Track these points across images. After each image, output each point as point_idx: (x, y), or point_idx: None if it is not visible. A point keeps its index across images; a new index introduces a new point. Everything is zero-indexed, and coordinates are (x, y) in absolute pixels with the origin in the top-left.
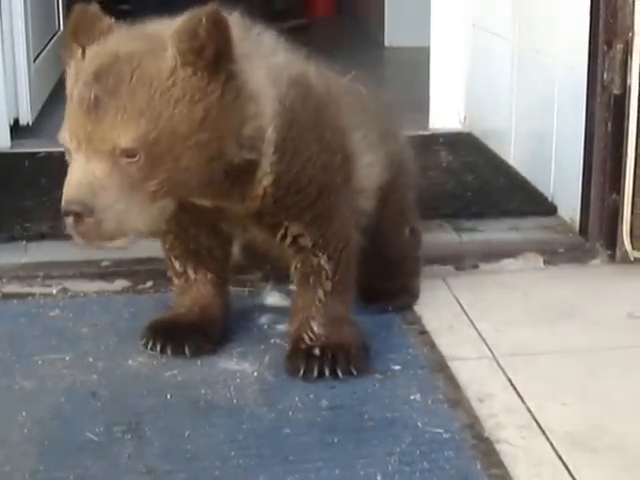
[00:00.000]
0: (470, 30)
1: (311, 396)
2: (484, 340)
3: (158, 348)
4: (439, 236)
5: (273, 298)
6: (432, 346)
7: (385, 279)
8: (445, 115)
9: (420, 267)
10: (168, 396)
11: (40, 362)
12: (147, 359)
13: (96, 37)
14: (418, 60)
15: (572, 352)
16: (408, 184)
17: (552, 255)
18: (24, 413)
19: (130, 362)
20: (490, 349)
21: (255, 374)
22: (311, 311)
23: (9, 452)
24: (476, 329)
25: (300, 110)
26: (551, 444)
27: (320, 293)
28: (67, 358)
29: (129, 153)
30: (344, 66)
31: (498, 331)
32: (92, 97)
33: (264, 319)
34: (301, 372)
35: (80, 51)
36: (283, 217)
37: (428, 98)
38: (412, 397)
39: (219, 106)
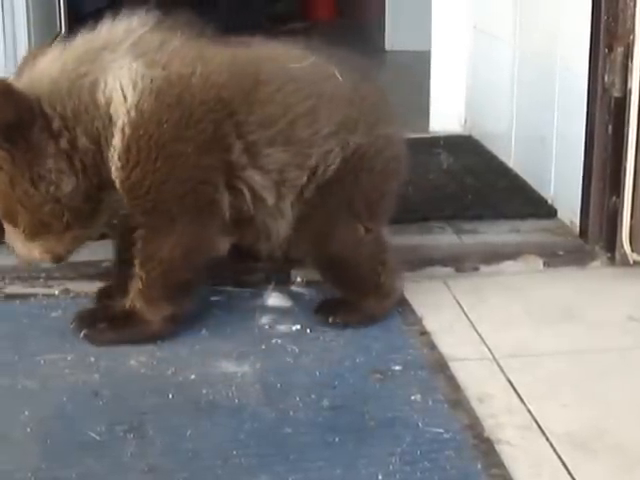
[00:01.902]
0: (471, 33)
1: (312, 396)
2: (484, 341)
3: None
4: (440, 238)
5: (274, 299)
6: (432, 347)
7: (334, 284)
8: (446, 118)
9: (384, 285)
10: (170, 396)
11: (42, 362)
12: (148, 359)
13: None
14: (418, 64)
15: (572, 353)
16: (369, 180)
17: (552, 257)
18: (27, 412)
19: (132, 362)
20: (490, 350)
21: (256, 374)
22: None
23: (12, 451)
24: (476, 330)
25: (158, 120)
26: (551, 444)
27: (137, 284)
28: (69, 358)
29: None
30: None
31: (498, 332)
32: None
33: (265, 319)
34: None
35: None
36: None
37: (429, 101)
38: (412, 397)
39: (17, 168)
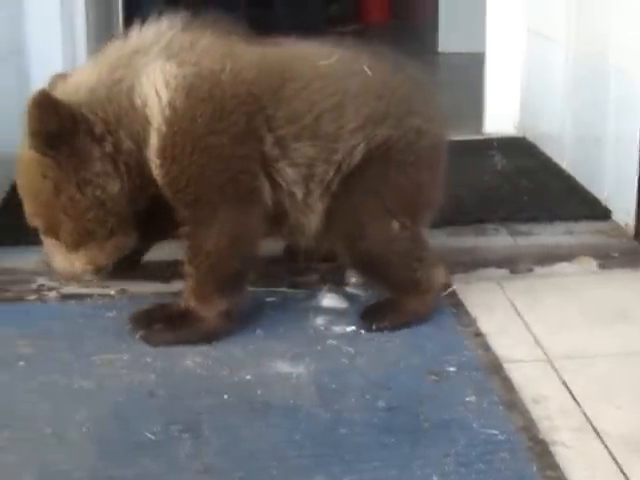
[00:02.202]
0: (525, 35)
1: (367, 397)
2: (539, 342)
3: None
4: (494, 240)
5: (329, 300)
6: (487, 348)
7: (371, 281)
8: (499, 120)
9: (421, 281)
10: (225, 396)
11: (98, 362)
12: (203, 359)
13: None
14: (471, 65)
15: (627, 355)
16: (401, 173)
17: (606, 259)
18: (83, 412)
19: (187, 362)
20: (545, 352)
21: (311, 375)
22: (186, 289)
23: (68, 450)
24: (531, 332)
25: (192, 116)
26: (606, 446)
27: (189, 281)
28: (125, 358)
29: (35, 227)
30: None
31: (552, 334)
32: None
33: (320, 320)
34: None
35: None
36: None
37: (482, 103)
38: (467, 399)
39: (63, 174)
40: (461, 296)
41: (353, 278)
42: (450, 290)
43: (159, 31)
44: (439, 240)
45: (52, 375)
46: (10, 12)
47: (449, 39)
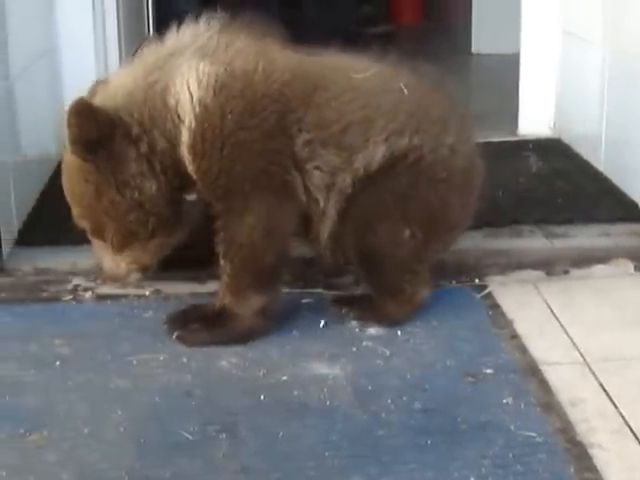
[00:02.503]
0: (560, 36)
1: (404, 398)
2: (575, 345)
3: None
4: (530, 241)
5: None
6: (523, 350)
7: (361, 275)
8: (535, 121)
9: (406, 292)
10: (261, 397)
11: (135, 362)
12: (239, 360)
13: None
14: (506, 67)
15: None
16: (429, 188)
17: None
18: (120, 412)
19: (223, 363)
20: (581, 354)
21: (347, 376)
22: (221, 286)
23: (106, 449)
24: (567, 334)
25: (222, 112)
26: None
27: (224, 278)
28: (161, 358)
29: (82, 226)
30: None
31: (589, 336)
32: None
33: (355, 322)
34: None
35: None
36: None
37: (517, 104)
38: (504, 401)
39: (100, 174)
40: (497, 298)
41: None
42: (486, 292)
43: (196, 32)
44: (475, 241)
45: (88, 375)
46: (42, 13)
47: (482, 40)
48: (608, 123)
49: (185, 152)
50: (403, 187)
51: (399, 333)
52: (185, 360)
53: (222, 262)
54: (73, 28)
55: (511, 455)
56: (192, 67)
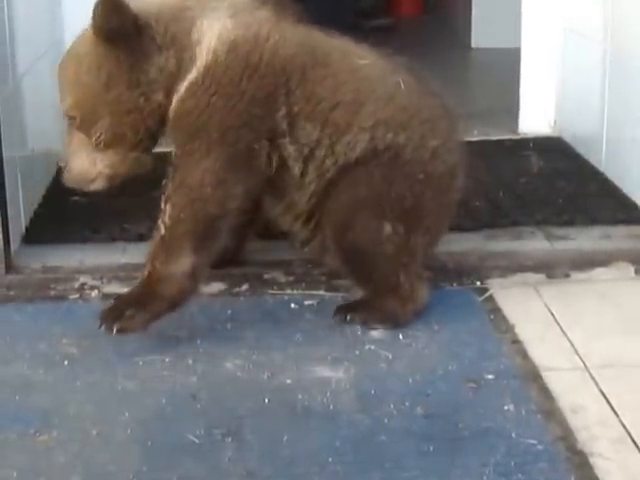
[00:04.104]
0: (561, 32)
1: (406, 404)
2: (576, 350)
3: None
4: (530, 244)
5: None
6: (525, 356)
7: (353, 278)
8: (535, 119)
9: (403, 287)
10: (266, 400)
11: (141, 363)
12: (243, 362)
13: None
14: (506, 62)
15: None
16: (407, 185)
17: None
18: (127, 414)
19: (228, 365)
20: (582, 360)
21: (350, 380)
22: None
23: (114, 451)
24: (568, 339)
25: (227, 67)
26: None
27: (160, 230)
28: (167, 360)
29: (71, 117)
30: (428, 66)
31: (590, 341)
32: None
33: (359, 325)
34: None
35: None
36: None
37: (517, 101)
38: (506, 407)
39: (118, 68)
40: (498, 301)
41: None
42: (487, 294)
43: None
44: (476, 243)
45: (96, 375)
46: (48, 6)
47: (483, 34)
48: (609, 122)
49: (182, 89)
50: (378, 181)
51: (401, 337)
52: (190, 362)
53: (163, 207)
54: (79, 22)
55: (513, 463)
56: (220, 19)
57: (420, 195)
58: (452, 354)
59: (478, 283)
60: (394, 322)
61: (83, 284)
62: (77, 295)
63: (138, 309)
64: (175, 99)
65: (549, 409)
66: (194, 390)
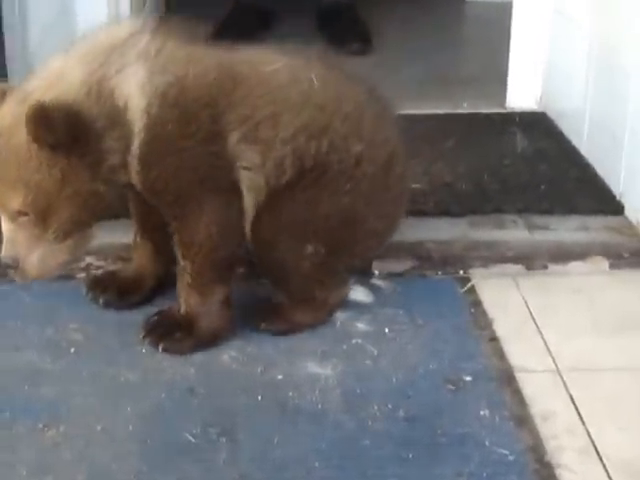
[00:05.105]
0: (551, 14)
1: (389, 405)
2: (549, 351)
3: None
4: (512, 233)
5: (355, 293)
6: (501, 356)
7: (270, 282)
8: (522, 93)
9: (316, 300)
10: (258, 397)
11: (143, 351)
12: (238, 354)
13: None
14: (499, 17)
15: (634, 370)
16: (332, 202)
17: (617, 259)
18: (128, 408)
19: (224, 357)
20: (555, 361)
21: (337, 377)
22: (182, 288)
23: (116, 450)
24: (542, 338)
25: (163, 122)
26: (607, 473)
27: (185, 278)
28: None
29: (21, 214)
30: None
31: (563, 341)
32: None
33: (345, 315)
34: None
35: None
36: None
37: (506, 70)
38: (481, 412)
39: (71, 166)
40: (479, 293)
41: (377, 270)
42: (469, 285)
43: (132, 32)
44: (461, 230)
45: (100, 365)
46: None
47: None
48: (592, 107)
49: (134, 161)
50: (302, 206)
51: (387, 330)
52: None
53: (182, 263)
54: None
55: (485, 474)
56: (135, 73)
57: (349, 207)
58: (433, 352)
59: (461, 272)
60: (299, 328)
61: (89, 264)
62: (84, 274)
63: (186, 334)
64: (133, 171)
65: (521, 415)
66: (192, 384)
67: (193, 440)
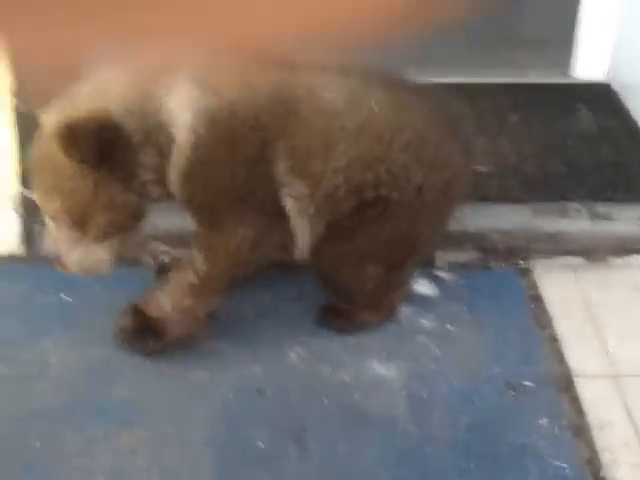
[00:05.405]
0: None
1: (452, 411)
2: (608, 354)
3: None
4: (575, 224)
5: (420, 286)
6: (561, 359)
7: (335, 299)
8: (589, 63)
9: (382, 304)
10: (325, 401)
11: (206, 351)
12: (304, 351)
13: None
14: None
15: None
16: (393, 230)
17: None
18: (198, 410)
19: (291, 354)
20: (612, 366)
21: (402, 379)
22: (171, 285)
23: (188, 456)
24: (601, 338)
25: (211, 142)
26: None
27: (189, 277)
28: (232, 347)
29: (59, 218)
30: None
31: (622, 344)
32: (32, 171)
33: (410, 310)
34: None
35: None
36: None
37: (573, 35)
38: (540, 422)
39: (102, 178)
40: (540, 287)
41: (440, 261)
42: (531, 279)
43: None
44: (524, 218)
45: (170, 362)
46: None
47: None
48: None
49: (174, 175)
50: (363, 238)
51: (450, 327)
52: (255, 349)
53: (198, 263)
54: None
55: None
56: (185, 91)
57: (408, 230)
58: (495, 353)
59: (522, 263)
60: (365, 327)
61: (155, 250)
62: (150, 261)
63: (157, 338)
64: (173, 185)
65: (579, 425)
66: (259, 384)
67: (263, 446)
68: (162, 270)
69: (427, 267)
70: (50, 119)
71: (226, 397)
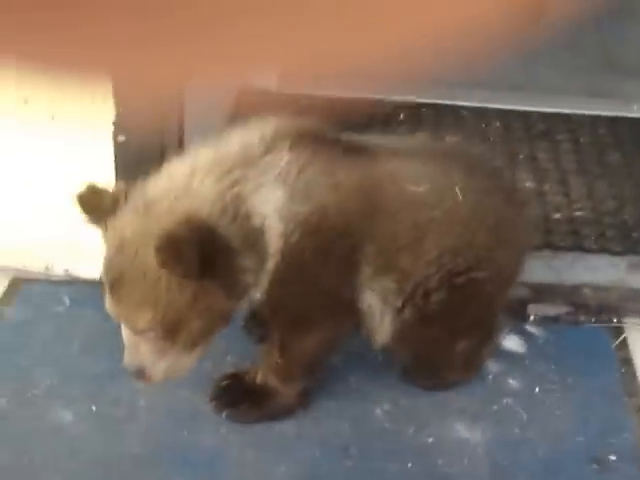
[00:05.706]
0: None
1: None
2: None
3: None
4: None
5: (509, 341)
6: None
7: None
8: None
9: (468, 366)
10: (409, 464)
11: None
12: (391, 407)
13: (108, 211)
14: None
15: None
16: (477, 306)
17: None
18: (283, 467)
19: (377, 411)
20: None
21: (486, 445)
22: (267, 368)
23: None
24: None
25: (301, 249)
26: None
27: (274, 359)
28: (320, 399)
29: (148, 330)
30: None
31: None
32: (109, 280)
33: (498, 368)
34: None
35: (102, 224)
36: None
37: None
38: None
39: (203, 287)
40: (630, 348)
41: (533, 314)
42: (621, 339)
43: (265, 142)
44: (619, 273)
45: None
46: None
47: None
48: None
49: (264, 280)
50: (452, 319)
51: (537, 390)
52: (342, 405)
53: (276, 356)
54: None
55: None
56: (274, 195)
57: (491, 301)
58: (581, 420)
59: (615, 321)
60: (453, 386)
61: None
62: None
63: (251, 406)
64: (261, 291)
65: None
66: (346, 441)
67: None
68: (251, 316)
69: (518, 319)
70: (134, 225)
71: (312, 455)
